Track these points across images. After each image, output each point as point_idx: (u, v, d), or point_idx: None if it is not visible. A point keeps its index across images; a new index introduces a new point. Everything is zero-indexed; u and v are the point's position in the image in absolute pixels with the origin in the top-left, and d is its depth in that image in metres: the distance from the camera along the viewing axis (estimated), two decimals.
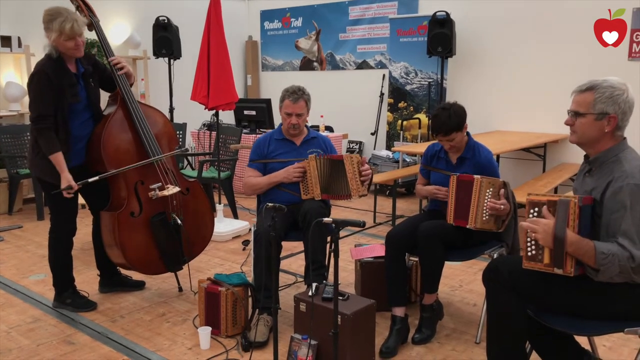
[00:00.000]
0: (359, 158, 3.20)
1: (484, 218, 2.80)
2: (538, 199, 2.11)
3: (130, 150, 3.29)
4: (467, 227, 2.83)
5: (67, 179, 3.02)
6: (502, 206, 2.76)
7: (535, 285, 2.16)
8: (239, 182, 6.11)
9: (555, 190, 5.45)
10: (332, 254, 2.41)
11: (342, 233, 4.94)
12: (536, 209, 2.10)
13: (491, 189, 2.79)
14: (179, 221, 3.35)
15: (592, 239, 2.02)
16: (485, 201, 2.77)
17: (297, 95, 3.28)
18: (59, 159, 3.01)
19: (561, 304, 2.16)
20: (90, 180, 3.08)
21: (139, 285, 3.68)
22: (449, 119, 2.92)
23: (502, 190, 2.80)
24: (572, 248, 1.97)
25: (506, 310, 2.20)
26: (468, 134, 3.06)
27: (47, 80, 2.98)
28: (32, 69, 3.06)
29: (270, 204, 2.44)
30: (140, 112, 3.33)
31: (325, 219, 2.23)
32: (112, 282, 3.61)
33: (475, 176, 2.82)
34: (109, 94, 3.44)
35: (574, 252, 1.98)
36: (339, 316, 2.57)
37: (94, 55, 3.32)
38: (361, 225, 2.25)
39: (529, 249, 2.11)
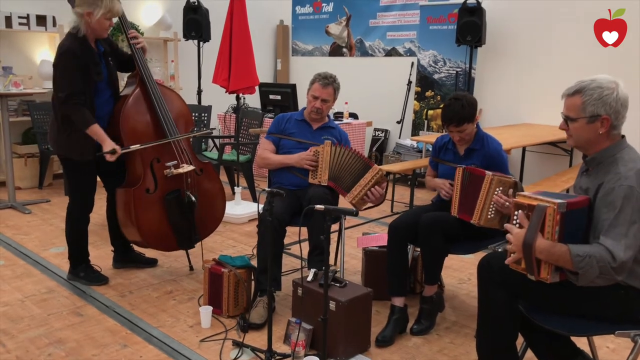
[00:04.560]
0: (383, 180, 3.15)
1: (489, 216, 2.75)
2: (522, 202, 2.03)
3: (148, 128, 3.38)
4: (471, 222, 2.80)
5: (110, 144, 3.12)
6: (507, 203, 2.68)
7: (525, 282, 2.12)
8: None
9: None
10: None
11: (355, 221, 4.94)
12: (519, 212, 2.05)
13: (501, 188, 2.71)
14: (194, 198, 3.42)
15: (586, 242, 1.97)
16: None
17: (327, 81, 3.31)
18: (97, 130, 3.11)
19: (551, 303, 2.12)
20: (132, 147, 3.18)
21: (152, 263, 3.78)
22: (463, 108, 2.87)
23: (511, 190, 2.71)
24: (542, 255, 1.93)
25: (497, 306, 2.18)
26: (477, 125, 3.01)
27: (75, 58, 3.06)
28: (57, 49, 3.12)
29: (268, 189, 2.47)
30: (158, 92, 3.41)
31: (317, 206, 2.25)
32: (125, 258, 3.73)
33: (487, 172, 2.73)
34: (127, 75, 3.53)
35: (546, 258, 1.93)
36: (334, 303, 2.60)
37: (109, 36, 3.39)
38: (354, 214, 2.27)
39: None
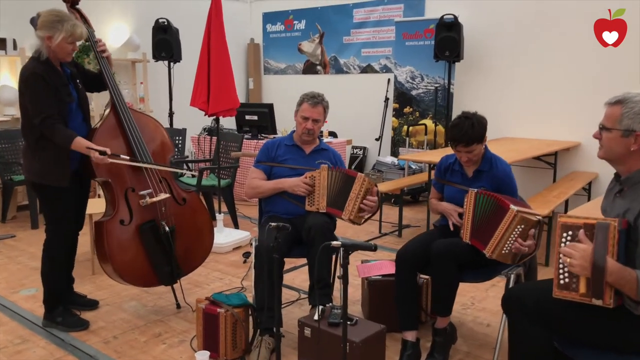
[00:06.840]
0: (372, 186, 2.99)
1: (504, 251, 2.58)
2: (572, 222, 1.90)
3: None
4: (482, 252, 2.64)
5: (98, 147, 2.90)
6: (526, 248, 2.52)
7: (566, 315, 1.97)
8: (239, 190, 5.93)
9: (567, 201, 5.26)
10: (341, 276, 2.24)
11: None
12: (570, 233, 1.91)
13: (522, 226, 2.52)
14: (167, 229, 3.18)
15: (627, 267, 1.83)
16: (512, 237, 2.53)
17: (316, 100, 3.15)
18: (79, 141, 2.90)
19: (595, 336, 1.96)
20: (121, 157, 3.02)
21: (92, 305, 3.45)
22: (472, 128, 2.71)
23: (532, 231, 2.53)
24: (612, 278, 1.78)
25: (532, 345, 2.02)
26: (485, 146, 2.87)
27: (42, 81, 2.88)
28: (20, 74, 2.93)
29: (273, 224, 2.27)
30: (131, 117, 3.19)
31: (334, 243, 2.05)
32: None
33: (512, 206, 2.53)
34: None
35: (614, 281, 1.79)
36: (347, 343, 2.39)
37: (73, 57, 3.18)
38: (373, 249, 2.08)
39: (561, 276, 1.91)
